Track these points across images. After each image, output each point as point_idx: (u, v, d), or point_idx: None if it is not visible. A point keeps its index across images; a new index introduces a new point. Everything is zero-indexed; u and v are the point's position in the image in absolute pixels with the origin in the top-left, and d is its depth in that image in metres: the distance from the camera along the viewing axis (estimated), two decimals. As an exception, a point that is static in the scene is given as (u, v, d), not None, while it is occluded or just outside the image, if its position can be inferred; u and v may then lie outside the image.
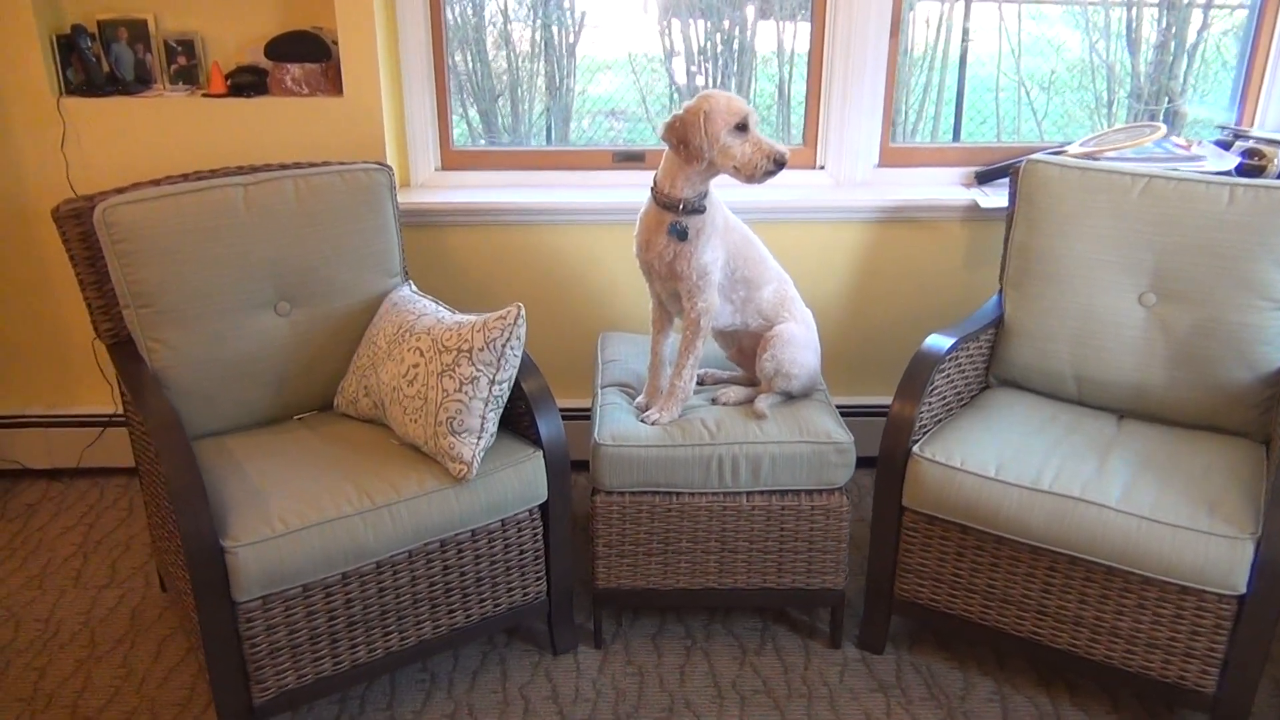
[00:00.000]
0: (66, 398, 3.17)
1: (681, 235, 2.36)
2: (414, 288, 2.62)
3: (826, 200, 3.07)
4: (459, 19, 3.41)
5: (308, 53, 2.84)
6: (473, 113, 3.66)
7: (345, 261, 2.53)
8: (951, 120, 4.11)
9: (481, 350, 2.19)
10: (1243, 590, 2.04)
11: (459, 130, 3.38)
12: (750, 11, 3.56)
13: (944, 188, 3.15)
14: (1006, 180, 3.13)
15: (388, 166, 2.62)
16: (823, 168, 3.18)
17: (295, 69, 2.84)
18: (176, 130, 2.84)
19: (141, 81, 2.87)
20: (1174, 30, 3.98)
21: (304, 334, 2.50)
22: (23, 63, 2.77)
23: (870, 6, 2.97)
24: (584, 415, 2.99)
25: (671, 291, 2.47)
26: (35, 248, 2.96)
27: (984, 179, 3.16)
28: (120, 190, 2.34)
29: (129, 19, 2.83)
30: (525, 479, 2.30)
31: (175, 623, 2.58)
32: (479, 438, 2.21)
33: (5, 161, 2.87)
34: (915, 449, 2.34)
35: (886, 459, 2.36)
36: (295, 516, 2.06)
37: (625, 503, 2.42)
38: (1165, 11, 3.87)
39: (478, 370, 2.19)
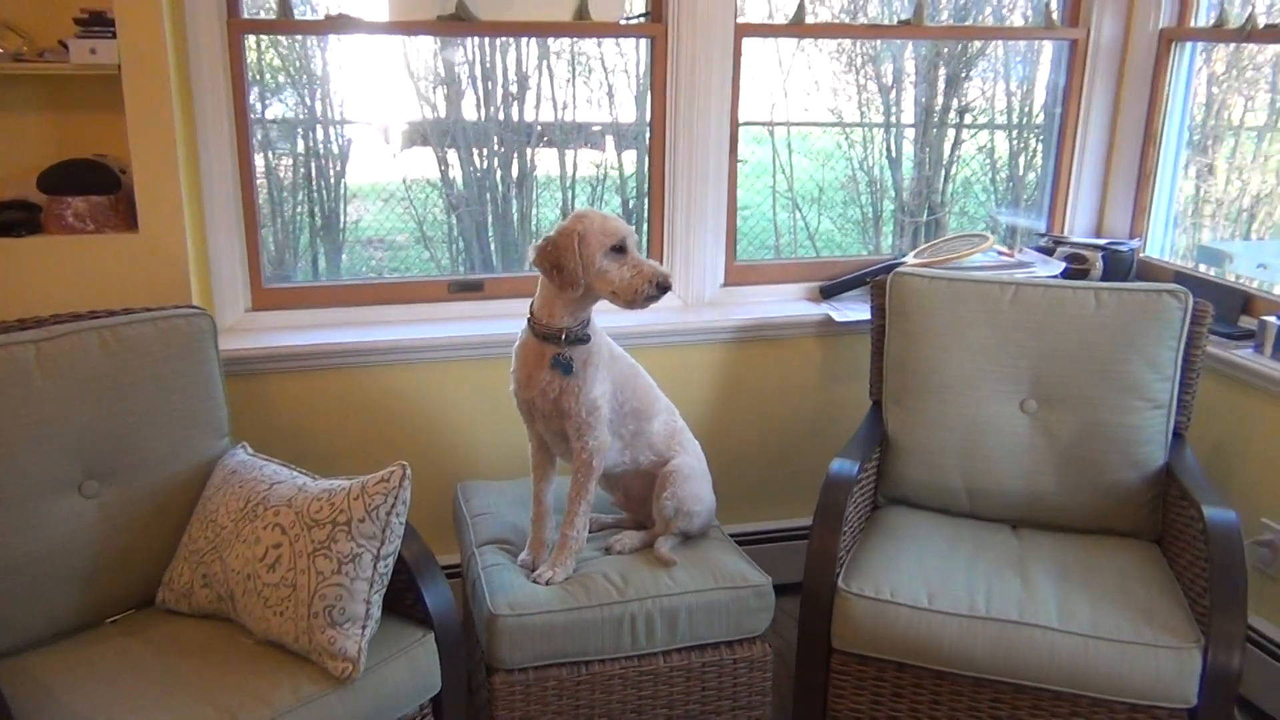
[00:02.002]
0: None
1: (566, 369, 2.13)
2: (249, 450, 2.23)
3: (678, 322, 2.94)
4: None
5: (92, 183, 2.42)
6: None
7: (164, 425, 2.11)
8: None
9: (363, 521, 1.84)
10: (1194, 702, 1.98)
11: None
12: (538, 136, 3.47)
13: (792, 303, 3.09)
14: (852, 293, 3.12)
15: (204, 311, 2.25)
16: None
17: (77, 202, 2.41)
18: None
19: (-124, 221, 2.35)
20: (929, 151, 4.23)
21: (117, 517, 2.04)
22: None
23: (710, 126, 2.90)
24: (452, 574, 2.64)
25: (556, 431, 2.22)
26: None
27: (829, 293, 3.13)
28: None
29: None
30: (418, 667, 1.94)
31: None
32: (364, 626, 1.84)
33: None
34: (841, 584, 2.17)
35: (812, 599, 2.18)
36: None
37: (529, 680, 2.09)
38: (921, 133, 4.10)
39: (359, 546, 1.84)
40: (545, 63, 3.51)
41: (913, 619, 2.10)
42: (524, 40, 3.35)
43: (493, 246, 3.60)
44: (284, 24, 2.68)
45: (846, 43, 3.99)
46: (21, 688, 1.79)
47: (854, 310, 2.99)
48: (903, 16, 3.20)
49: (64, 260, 2.41)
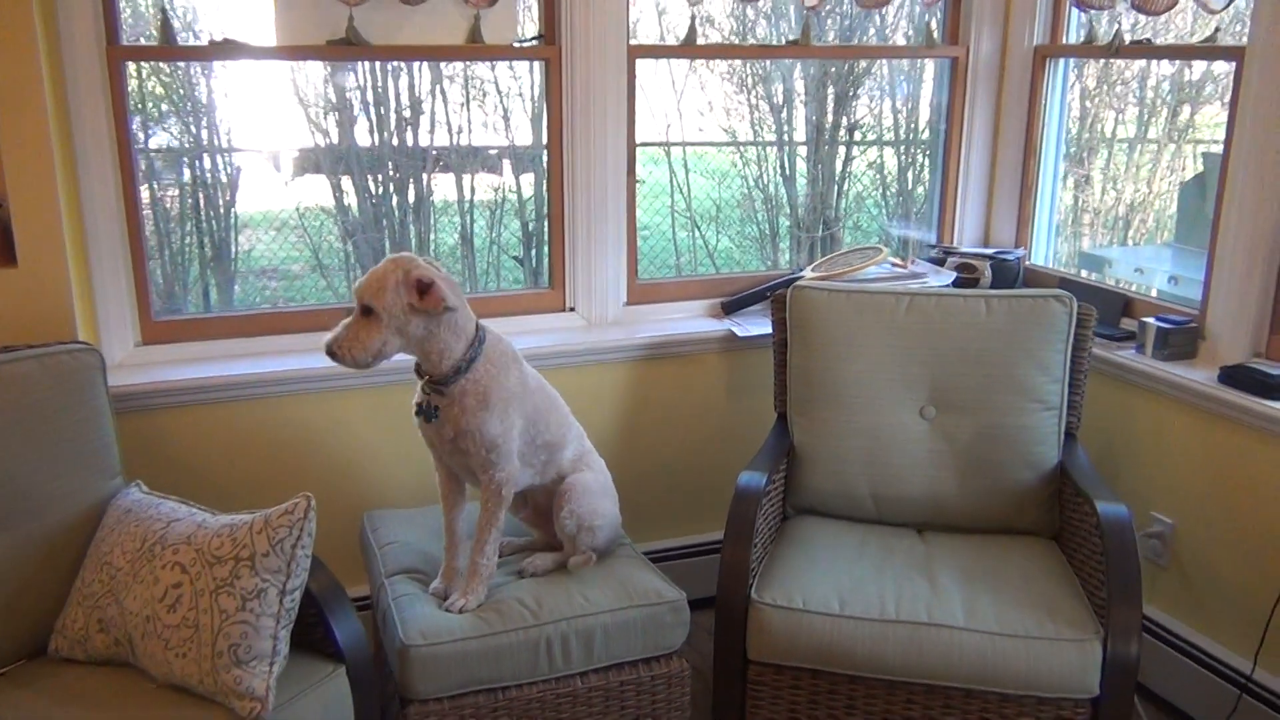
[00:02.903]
0: None
1: (429, 415, 2.12)
2: (144, 488, 2.15)
3: (582, 342, 2.94)
4: None
5: (-32, 216, 2.32)
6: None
7: (52, 467, 2.02)
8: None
9: (266, 555, 1.79)
10: (1096, 692, 2.05)
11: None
12: (433, 161, 3.45)
13: (695, 320, 3.12)
14: (754, 308, 3.17)
15: (92, 347, 2.17)
16: (573, 309, 3.04)
17: (-49, 237, 2.30)
18: None
19: None
20: (821, 167, 4.34)
21: (3, 564, 1.95)
22: None
23: (607, 147, 2.92)
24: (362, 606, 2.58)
25: (461, 465, 2.20)
26: None
27: (731, 309, 3.16)
28: None
29: None
30: (329, 702, 1.90)
31: None
32: (271, 663, 1.79)
33: None
34: (754, 595, 2.19)
35: (726, 612, 2.19)
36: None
37: (445, 710, 2.06)
38: (813, 150, 4.21)
39: (264, 581, 1.79)
40: (439, 87, 3.50)
41: (826, 626, 2.13)
42: (416, 65, 3.33)
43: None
44: (166, 50, 2.61)
45: (738, 63, 4.07)
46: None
47: (756, 325, 3.03)
48: (791, 37, 3.28)
49: None
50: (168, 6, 2.56)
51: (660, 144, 4.11)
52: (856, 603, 2.15)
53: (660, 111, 4.00)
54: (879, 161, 4.25)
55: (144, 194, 2.77)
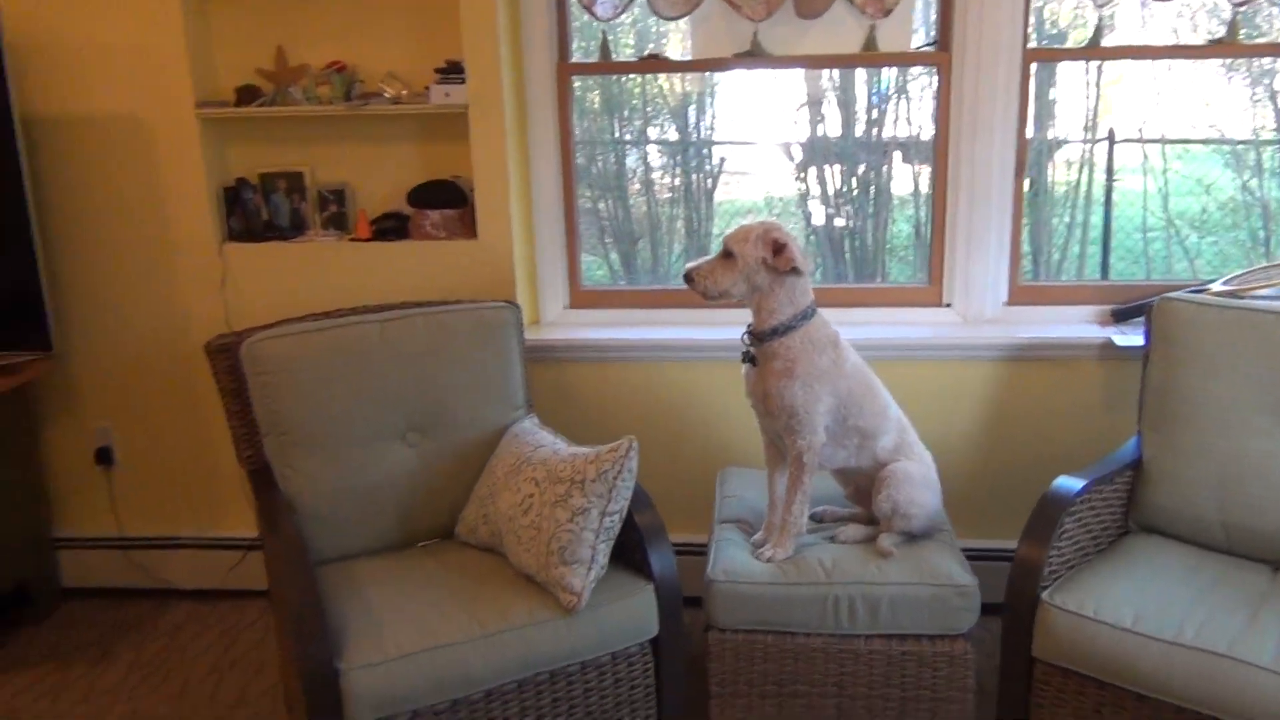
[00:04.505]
0: (215, 522, 3.33)
1: (745, 359, 2.42)
2: (536, 421, 2.69)
3: (953, 338, 3.03)
4: (601, 169, 3.58)
5: (446, 199, 3.02)
6: (614, 255, 3.79)
7: (471, 395, 2.63)
8: (1099, 259, 4.03)
9: (593, 482, 2.22)
10: None
11: (601, 271, 3.51)
12: (895, 155, 3.61)
13: (1077, 325, 3.07)
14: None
15: (515, 304, 2.74)
16: (949, 305, 3.15)
17: (434, 214, 3.02)
18: (325, 272, 3.05)
19: (296, 228, 3.10)
20: None
21: (430, 464, 2.59)
22: (193, 214, 3.04)
23: (994, 148, 2.98)
24: (700, 551, 2.97)
25: (772, 428, 2.47)
26: (193, 381, 3.18)
27: (1121, 317, 3.07)
28: (265, 326, 2.51)
29: (288, 172, 3.08)
30: (636, 612, 2.28)
31: (296, 747, 2.63)
32: (589, 569, 2.22)
33: (172, 302, 3.13)
34: (1044, 595, 2.22)
35: (1013, 605, 2.25)
36: (409, 641, 2.10)
37: (739, 641, 2.37)
38: None
39: (589, 501, 2.21)
40: (904, 86, 3.66)
41: (1111, 637, 2.11)
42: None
43: (848, 259, 3.80)
44: (605, 66, 3.14)
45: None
46: (342, 582, 2.36)
47: (1138, 335, 2.93)
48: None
49: (423, 260, 3.03)
50: (606, 30, 3.08)
51: (1136, 140, 3.92)
52: (1152, 621, 2.11)
53: (1079, 111, 3.85)
54: None
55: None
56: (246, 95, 3.00)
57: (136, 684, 2.91)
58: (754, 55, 3.02)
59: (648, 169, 3.78)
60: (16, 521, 3.15)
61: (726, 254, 2.35)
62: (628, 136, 3.79)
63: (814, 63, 3.18)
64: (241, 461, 2.59)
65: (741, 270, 2.33)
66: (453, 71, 2.90)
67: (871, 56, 3.02)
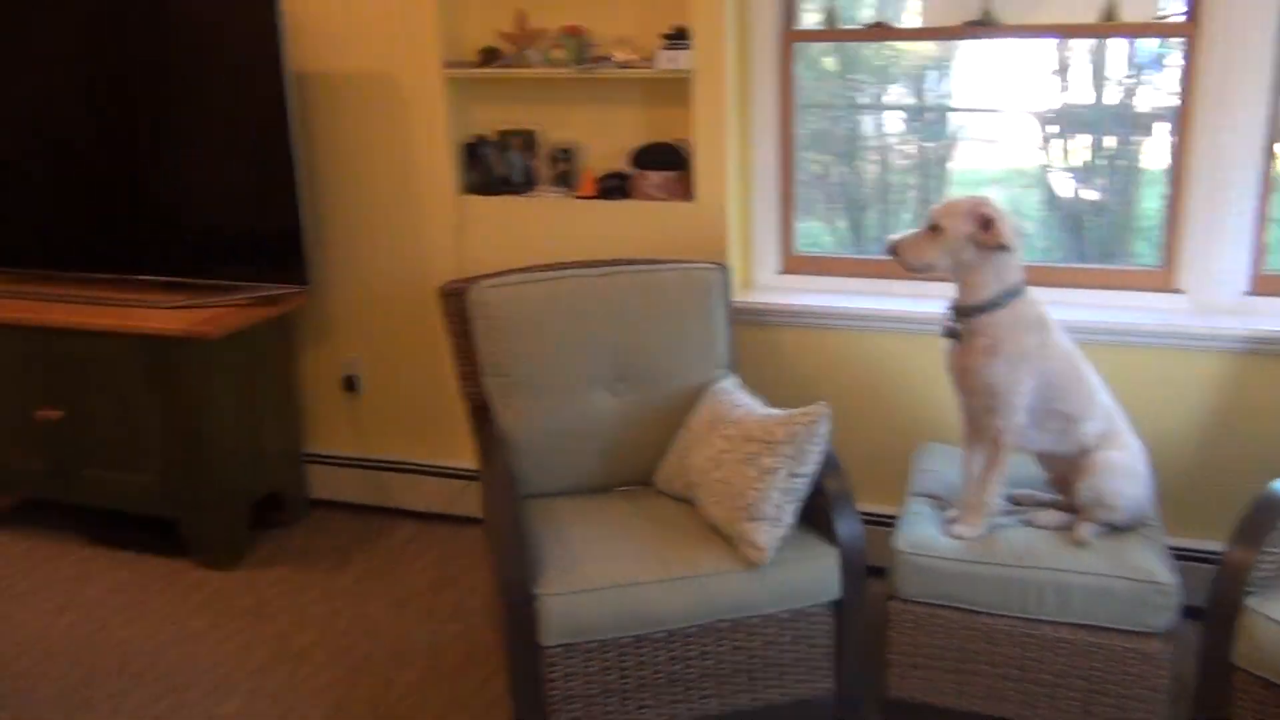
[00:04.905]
0: (443, 451, 3.63)
1: (947, 333, 2.41)
2: (736, 381, 2.78)
3: (1183, 326, 2.88)
4: (832, 133, 3.56)
5: (667, 162, 3.13)
6: (841, 222, 3.78)
7: (676, 351, 2.74)
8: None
9: (783, 443, 2.29)
10: None
11: (828, 238, 3.52)
12: (1149, 127, 3.41)
13: (1325, 321, 2.85)
14: None
15: (723, 266, 2.83)
16: (1182, 291, 2.99)
17: (655, 176, 3.14)
18: (551, 226, 3.23)
19: (527, 183, 3.30)
20: None
21: (633, 413, 2.73)
22: (435, 166, 3.30)
23: (1240, 125, 2.79)
24: (888, 522, 2.99)
25: (970, 407, 2.45)
26: (430, 320, 3.45)
27: (1379, 315, 2.82)
28: (492, 275, 2.71)
29: (523, 130, 3.27)
30: (818, 574, 2.35)
31: (500, 663, 2.86)
32: (775, 526, 2.30)
33: (414, 247, 3.41)
34: (1249, 602, 2.13)
35: (1214, 608, 2.17)
36: (600, 576, 2.26)
37: (921, 614, 2.39)
38: None
39: (778, 462, 2.29)
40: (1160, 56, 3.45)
41: (1319, 652, 2.01)
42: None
43: (1090, 236, 3.64)
44: (830, 33, 3.15)
45: None
46: (545, 516, 2.56)
47: (1398, 335, 2.70)
48: None
49: (641, 219, 3.16)
50: (834, -3, 3.09)
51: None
52: (1367, 640, 1.99)
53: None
54: None
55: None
56: (488, 56, 3.20)
57: (366, 590, 3.24)
58: (984, 24, 2.95)
59: (881, 135, 3.74)
60: (275, 436, 3.55)
61: (933, 227, 2.34)
62: (863, 100, 3.76)
63: (1049, 31, 3.06)
64: (464, 397, 2.82)
65: (947, 245, 2.32)
66: (679, 38, 2.99)
67: (1112, 26, 2.88)
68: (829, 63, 3.51)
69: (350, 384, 3.64)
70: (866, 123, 3.75)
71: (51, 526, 3.65)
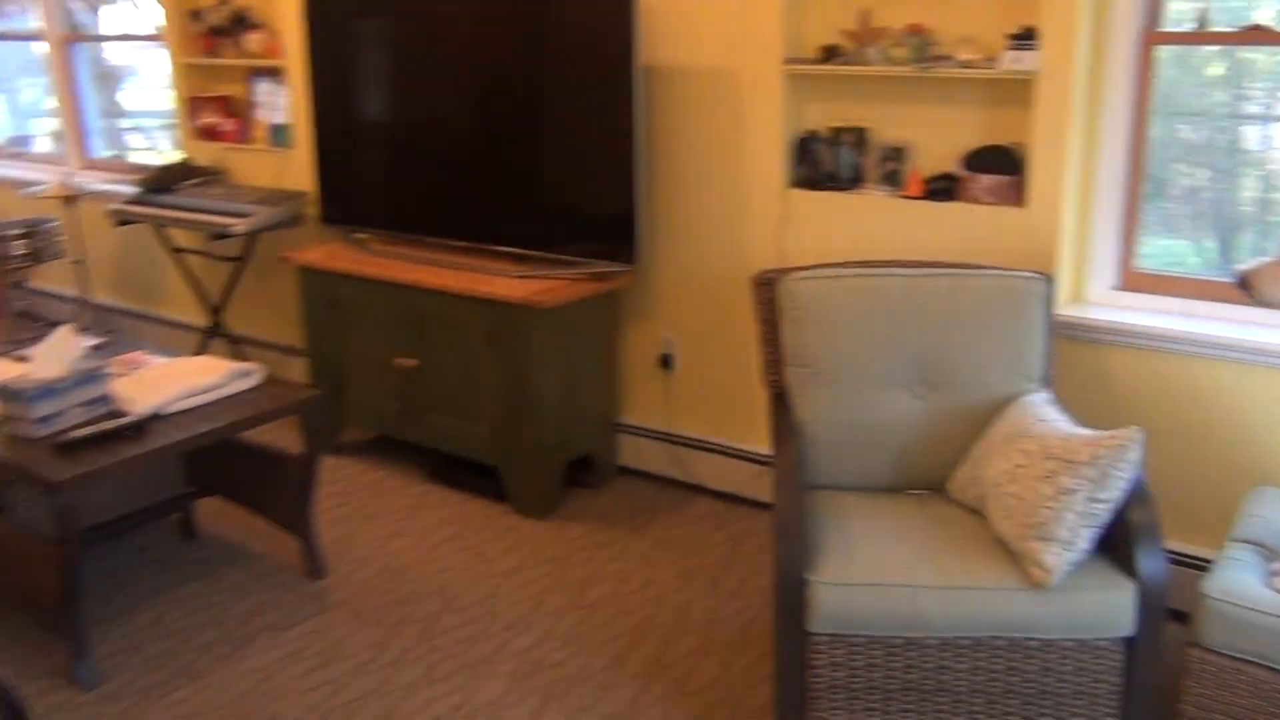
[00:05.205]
0: (744, 435, 3.74)
1: None
2: (1047, 396, 2.66)
3: None
4: (1212, 143, 3.29)
5: (1000, 166, 3.04)
6: (1209, 241, 3.48)
7: (985, 360, 2.67)
8: None
9: (1085, 465, 2.18)
10: None
11: (1195, 258, 3.28)
12: None
13: None
14: None
15: (1048, 277, 2.72)
16: None
17: (986, 179, 3.06)
18: (872, 224, 3.24)
19: (854, 180, 3.32)
20: None
21: (932, 418, 2.69)
22: (766, 159, 3.39)
23: None
24: (1197, 563, 2.76)
25: None
26: (745, 308, 3.57)
27: None
28: (805, 267, 2.77)
29: (855, 127, 3.30)
30: (1111, 606, 2.22)
31: (771, 647, 2.93)
32: (1066, 549, 2.20)
33: (737, 236, 3.53)
34: None
35: None
36: (874, 573, 2.27)
37: (1225, 666, 2.20)
38: None
39: (1077, 483, 2.19)
40: None
41: None
42: None
43: None
44: (1197, 36, 2.92)
45: None
46: (829, 507, 2.58)
47: None
48: None
49: (966, 222, 3.10)
50: (1207, -3, 2.86)
51: None
52: None
53: None
54: None
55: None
56: (828, 53, 3.25)
57: (658, 556, 3.41)
58: (1390, 28, 2.62)
59: (1269, 148, 3.41)
60: (593, 403, 3.81)
61: None
62: (1251, 110, 3.44)
63: None
64: (767, 384, 2.90)
65: None
66: (1026, 37, 2.90)
67: None
68: (1214, 68, 3.25)
69: (665, 361, 3.83)
70: (1252, 135, 3.43)
71: (398, 461, 4.13)
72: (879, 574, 2.26)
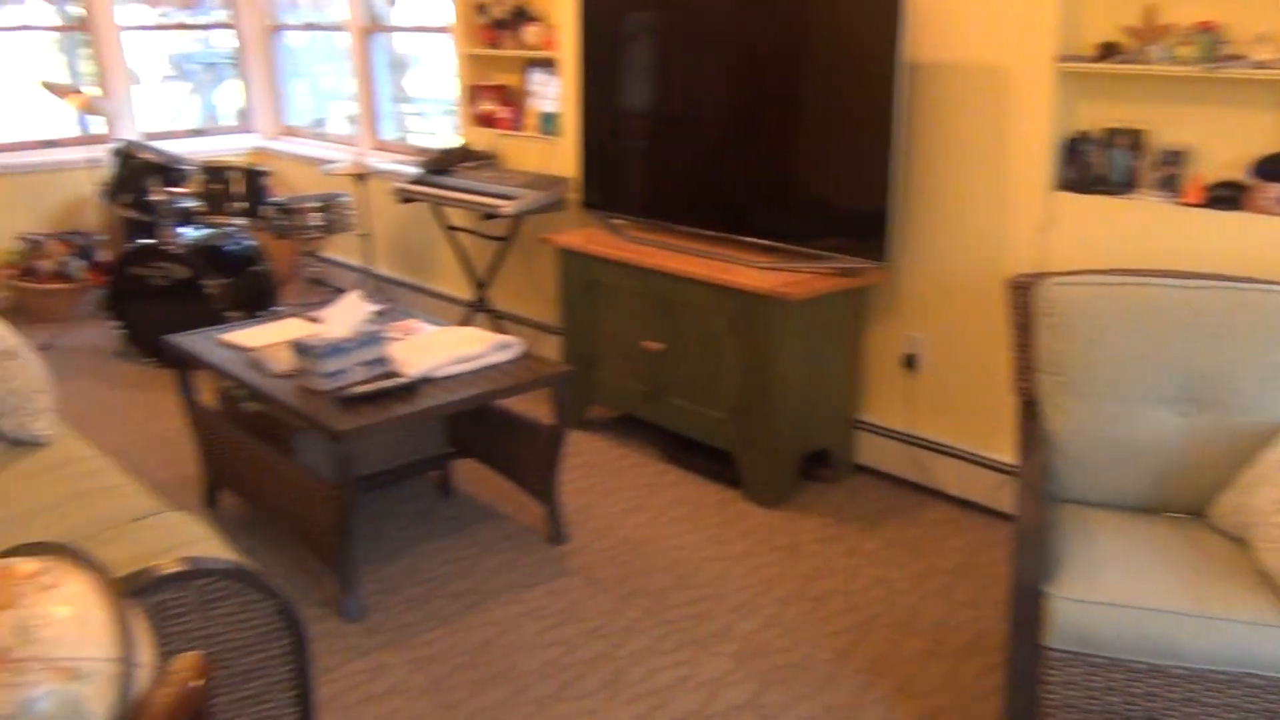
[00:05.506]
0: (988, 442, 3.64)
1: None
2: (1334, 424, 2.46)
3: None
4: None
5: (1297, 173, 2.82)
6: None
7: (1265, 381, 2.50)
8: None
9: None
10: None
11: None
12: None
13: None
14: None
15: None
16: None
17: (1277, 189, 2.84)
18: (1144, 231, 3.07)
19: (1126, 185, 3.16)
20: None
21: (1198, 439, 2.55)
22: (1031, 159, 3.28)
23: None
24: None
25: None
26: (997, 312, 3.47)
27: None
28: (1066, 273, 2.67)
29: (1131, 129, 3.13)
30: (1390, 658, 2.04)
31: (1004, 659, 2.86)
32: (1343, 592, 2.04)
33: (994, 237, 3.43)
34: None
35: None
36: (1119, 593, 2.18)
37: None
38: None
39: (1362, 521, 2.02)
40: None
41: None
42: None
43: None
44: None
45: None
46: (1075, 522, 2.49)
47: None
48: None
49: (1253, 235, 2.89)
50: None
51: None
52: None
53: None
54: None
55: None
56: (1106, 51, 3.11)
57: (889, 558, 3.39)
58: None
59: None
60: (833, 398, 3.81)
61: None
62: None
63: None
64: (1016, 391, 2.83)
65: None
66: (1338, 36, 2.67)
67: None
68: None
69: (910, 361, 3.78)
70: None
71: (639, 440, 4.29)
72: (1126, 595, 2.17)
